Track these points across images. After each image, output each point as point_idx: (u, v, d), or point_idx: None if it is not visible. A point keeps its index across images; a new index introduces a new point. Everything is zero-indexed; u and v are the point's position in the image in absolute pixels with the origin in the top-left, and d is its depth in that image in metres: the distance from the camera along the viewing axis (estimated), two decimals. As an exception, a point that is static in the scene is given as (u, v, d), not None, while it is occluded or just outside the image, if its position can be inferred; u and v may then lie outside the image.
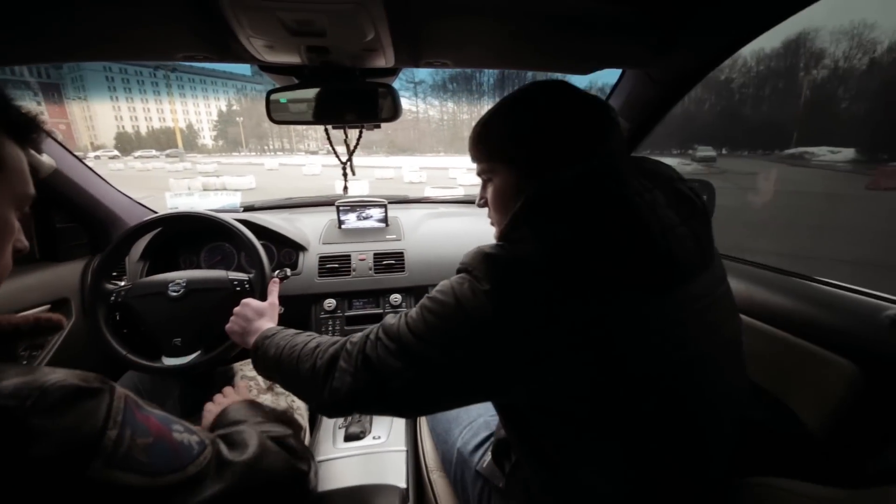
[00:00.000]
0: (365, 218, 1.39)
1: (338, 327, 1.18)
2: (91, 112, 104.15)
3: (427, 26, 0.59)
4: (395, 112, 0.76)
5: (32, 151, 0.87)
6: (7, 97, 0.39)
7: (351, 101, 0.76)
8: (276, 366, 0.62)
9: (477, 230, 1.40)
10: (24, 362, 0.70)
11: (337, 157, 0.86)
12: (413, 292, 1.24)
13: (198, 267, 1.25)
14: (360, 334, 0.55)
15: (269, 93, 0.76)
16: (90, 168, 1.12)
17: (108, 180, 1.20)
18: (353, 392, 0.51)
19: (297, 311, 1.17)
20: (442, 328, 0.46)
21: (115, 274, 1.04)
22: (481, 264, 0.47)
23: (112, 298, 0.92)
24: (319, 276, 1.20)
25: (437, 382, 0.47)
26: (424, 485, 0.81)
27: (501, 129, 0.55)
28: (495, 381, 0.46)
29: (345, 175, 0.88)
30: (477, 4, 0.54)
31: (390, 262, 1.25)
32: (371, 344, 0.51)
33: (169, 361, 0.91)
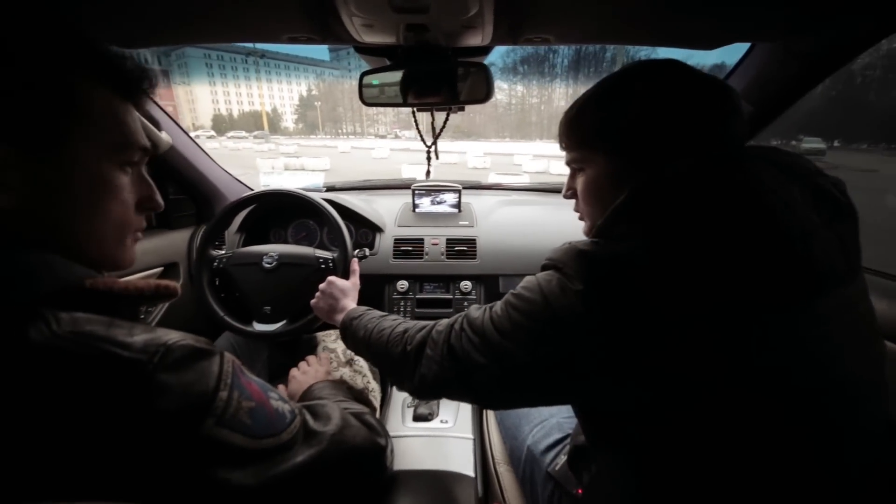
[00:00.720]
0: (439, 203, 1.38)
1: (409, 308, 1.20)
2: (193, 96, 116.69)
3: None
4: (487, 92, 0.72)
5: (152, 128, 0.98)
6: (107, 50, 0.38)
7: (443, 81, 0.73)
8: (365, 346, 0.65)
9: (554, 220, 1.33)
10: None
11: (422, 140, 0.85)
12: (483, 281, 1.21)
13: (285, 241, 1.33)
14: (445, 322, 0.55)
15: (363, 74, 0.76)
16: (199, 146, 1.23)
17: (212, 158, 1.31)
18: (439, 380, 0.51)
19: (371, 290, 1.20)
20: (527, 327, 0.44)
21: (216, 243, 1.14)
22: (573, 261, 0.42)
23: (215, 264, 1.01)
24: (394, 258, 1.23)
25: (519, 380, 0.45)
26: (491, 476, 0.80)
27: (600, 114, 0.50)
28: (580, 384, 0.42)
29: (428, 159, 0.86)
30: None
31: (462, 248, 1.23)
32: (456, 335, 0.51)
33: (259, 327, 0.98)
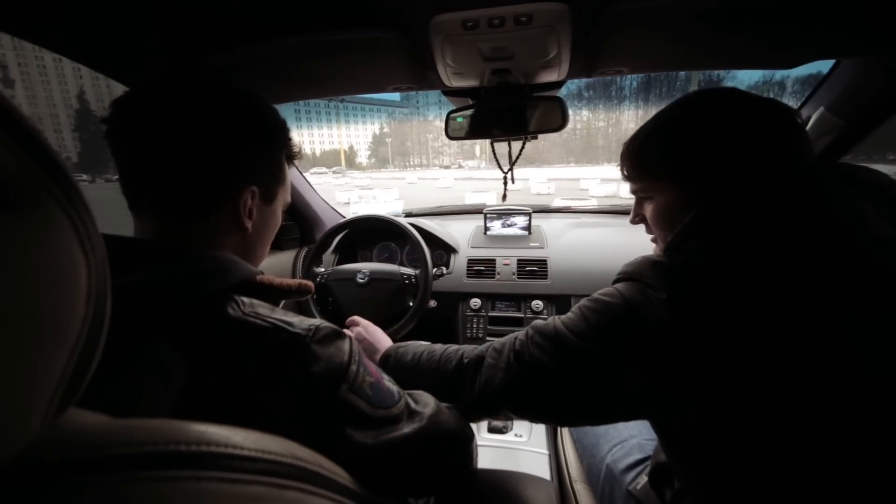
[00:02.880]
0: (509, 225, 1.44)
1: (481, 325, 1.24)
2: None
3: (612, 37, 0.60)
4: (563, 121, 0.78)
5: None
6: (289, 132, 0.54)
7: (520, 115, 0.81)
8: (414, 367, 0.64)
9: (624, 242, 1.31)
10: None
11: (499, 166, 0.92)
12: (555, 301, 1.23)
13: (370, 261, 1.45)
14: (503, 338, 0.57)
15: (449, 113, 0.87)
16: (305, 179, 1.43)
17: (315, 189, 1.50)
18: (504, 387, 0.51)
19: (446, 307, 1.27)
20: (607, 327, 0.45)
21: (317, 264, 1.30)
22: (651, 272, 0.44)
23: (317, 280, 1.15)
24: (467, 277, 1.29)
25: (592, 385, 0.46)
26: (567, 492, 0.80)
27: (664, 146, 0.52)
28: (657, 392, 0.43)
29: (505, 184, 0.93)
30: (670, 8, 0.53)
31: (533, 268, 1.26)
32: (521, 342, 0.52)
33: (353, 318, 1.09)
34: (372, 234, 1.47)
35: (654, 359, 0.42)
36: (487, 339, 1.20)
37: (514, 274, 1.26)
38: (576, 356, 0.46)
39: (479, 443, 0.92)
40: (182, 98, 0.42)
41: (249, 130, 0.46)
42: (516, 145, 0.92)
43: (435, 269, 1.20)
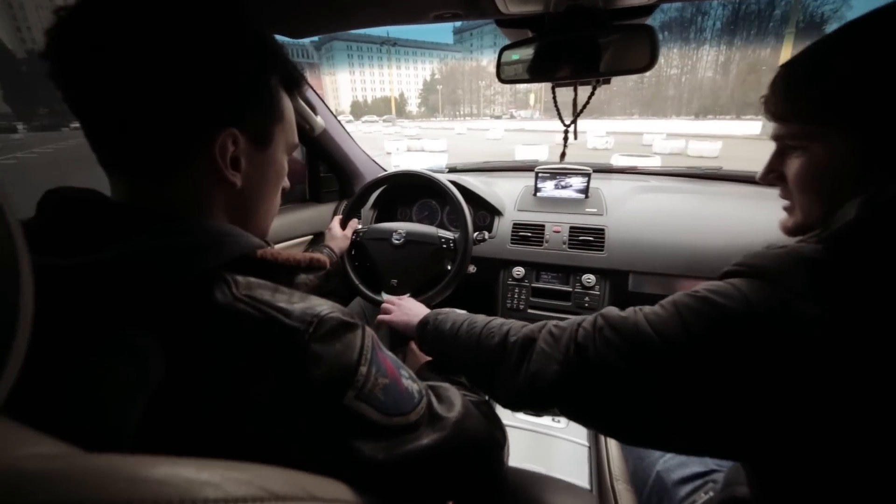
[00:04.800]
0: (563, 187, 1.27)
1: (523, 296, 1.15)
2: (336, 85, 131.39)
3: None
4: (651, 59, 0.60)
5: (310, 112, 1.09)
6: (286, 54, 0.41)
7: (595, 50, 0.64)
8: (452, 338, 0.58)
9: (703, 213, 1.11)
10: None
11: (560, 118, 0.76)
12: (609, 276, 1.08)
13: (410, 219, 1.39)
14: (563, 322, 0.48)
15: (503, 49, 0.71)
16: (345, 129, 1.34)
17: (353, 138, 1.42)
18: (558, 383, 0.43)
19: (486, 274, 1.18)
20: (715, 338, 0.34)
21: (356, 217, 1.24)
22: (801, 272, 0.31)
23: (353, 237, 1.09)
24: (511, 243, 1.18)
25: (677, 407, 0.36)
26: (607, 491, 0.72)
27: (854, 76, 0.35)
28: (783, 432, 0.32)
29: (565, 139, 0.78)
30: None
31: (587, 238, 1.11)
32: (586, 333, 0.43)
33: (386, 297, 1.04)
34: (412, 190, 1.38)
35: (783, 391, 0.31)
36: (529, 311, 1.11)
37: (564, 243, 1.13)
38: (659, 365, 0.36)
39: (512, 423, 0.86)
40: (124, 12, 0.32)
41: (218, 47, 0.35)
42: (583, 93, 0.74)
43: (476, 234, 1.10)
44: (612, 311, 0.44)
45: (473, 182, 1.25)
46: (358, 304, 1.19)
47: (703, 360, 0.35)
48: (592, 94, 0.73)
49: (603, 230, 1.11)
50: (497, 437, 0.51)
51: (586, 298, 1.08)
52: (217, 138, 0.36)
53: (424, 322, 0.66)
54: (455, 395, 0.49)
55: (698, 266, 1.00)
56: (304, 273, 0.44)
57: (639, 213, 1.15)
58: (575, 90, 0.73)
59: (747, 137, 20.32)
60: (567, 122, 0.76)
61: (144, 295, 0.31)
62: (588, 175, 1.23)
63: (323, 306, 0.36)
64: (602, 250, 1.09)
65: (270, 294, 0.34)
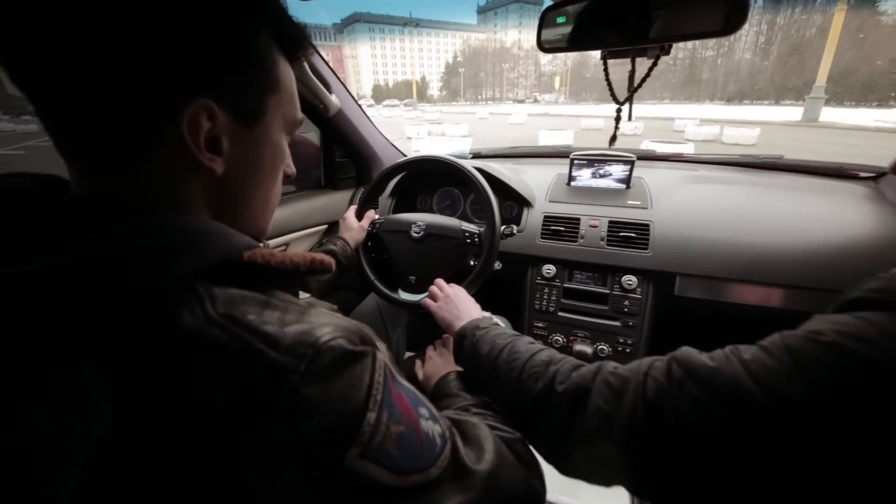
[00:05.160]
0: (602, 175, 1.14)
1: (553, 297, 1.04)
2: (359, 68, 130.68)
3: None
4: (739, 18, 0.48)
5: (324, 90, 1.00)
6: (285, 10, 0.34)
7: (662, 7, 0.51)
8: (490, 366, 0.51)
9: (768, 207, 0.97)
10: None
11: (613, 96, 0.64)
12: (653, 278, 0.97)
13: (431, 209, 1.30)
14: (622, 368, 0.38)
15: (546, 11, 0.59)
16: (362, 110, 1.25)
17: (372, 121, 1.32)
18: (623, 451, 0.34)
19: (512, 271, 1.08)
20: (857, 399, 0.25)
21: (372, 206, 1.15)
22: None
23: (369, 228, 1.01)
24: (542, 238, 1.07)
25: (784, 476, 0.27)
26: None
27: None
28: None
29: (617, 119, 0.66)
30: None
31: (629, 234, 0.99)
32: (659, 387, 0.33)
33: (403, 295, 0.97)
34: (433, 177, 1.28)
35: None
36: (560, 314, 1.01)
37: (602, 239, 1.01)
38: (769, 431, 0.27)
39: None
40: None
41: None
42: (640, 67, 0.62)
43: (504, 227, 1.00)
44: (691, 355, 0.34)
45: (500, 169, 1.14)
46: (374, 301, 1.12)
47: (835, 424, 0.25)
48: (654, 65, 0.61)
49: (647, 226, 0.99)
50: (535, 489, 0.41)
51: (626, 302, 0.97)
52: (184, 111, 0.27)
53: (462, 335, 0.60)
54: (485, 434, 0.40)
55: (758, 270, 0.88)
56: (306, 276, 0.38)
57: (688, 207, 1.02)
58: (632, 61, 0.61)
59: (786, 124, 19.10)
60: (621, 101, 0.64)
61: (90, 315, 0.24)
62: (631, 162, 1.10)
63: (325, 329, 0.27)
64: (646, 248, 0.97)
65: (257, 312, 0.27)
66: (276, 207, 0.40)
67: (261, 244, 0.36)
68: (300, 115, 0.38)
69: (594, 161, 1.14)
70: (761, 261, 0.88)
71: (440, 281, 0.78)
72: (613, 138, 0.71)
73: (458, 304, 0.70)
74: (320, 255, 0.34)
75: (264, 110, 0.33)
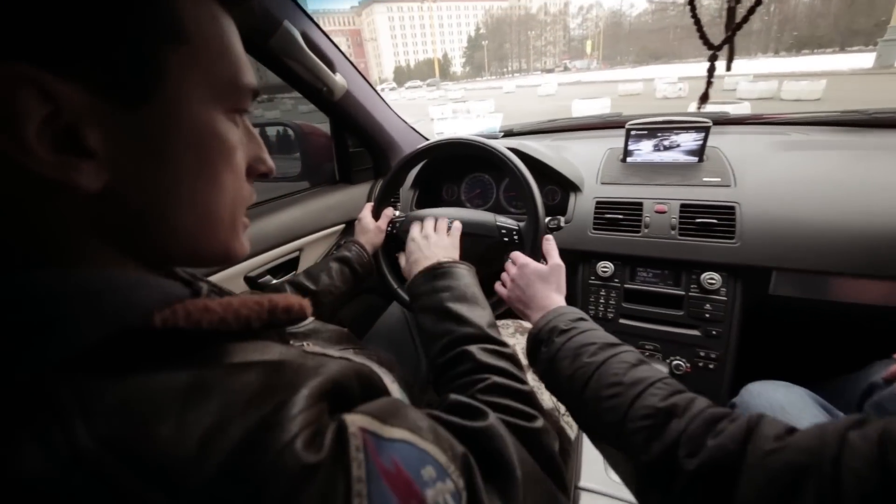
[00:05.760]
0: (666, 147, 0.94)
1: (612, 301, 0.88)
2: (379, 51, 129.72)
3: None
4: None
5: (326, 70, 0.86)
6: None
7: None
8: (577, 401, 0.43)
9: (886, 178, 0.75)
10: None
11: (705, 40, 0.46)
12: (742, 275, 0.78)
13: (458, 198, 1.17)
14: (800, 438, 0.27)
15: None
16: (374, 89, 1.11)
17: (388, 103, 1.19)
18: None
19: (560, 267, 0.93)
20: None
21: (392, 200, 1.03)
22: None
23: (388, 228, 0.88)
24: (594, 229, 0.90)
25: None
26: None
27: None
28: None
29: (710, 72, 0.48)
30: None
31: (709, 220, 0.80)
32: (862, 483, 0.23)
33: (513, 255, 0.85)
34: (460, 161, 1.14)
35: None
36: (621, 321, 0.86)
37: (673, 228, 0.83)
38: None
39: (603, 489, 0.63)
40: None
41: None
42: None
43: (548, 219, 0.83)
44: None
45: (537, 148, 0.98)
46: (399, 311, 1.00)
47: None
48: (754, 7, 0.42)
49: (733, 208, 0.80)
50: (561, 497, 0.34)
51: (707, 306, 0.80)
52: None
53: (536, 338, 0.52)
54: (507, 451, 0.30)
55: (882, 260, 0.68)
56: (276, 328, 0.31)
57: (784, 182, 0.81)
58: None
59: (857, 73, 16.97)
60: (716, 45, 0.46)
61: None
62: (706, 129, 0.89)
63: (285, 426, 0.20)
64: (731, 238, 0.78)
65: (174, 416, 0.19)
66: (240, 217, 0.30)
67: (201, 288, 0.30)
68: (248, 78, 0.27)
69: (657, 130, 0.94)
70: (886, 248, 0.68)
71: (514, 255, 0.67)
72: (705, 97, 0.53)
73: (527, 286, 0.61)
74: (287, 300, 0.27)
75: (161, 76, 0.22)
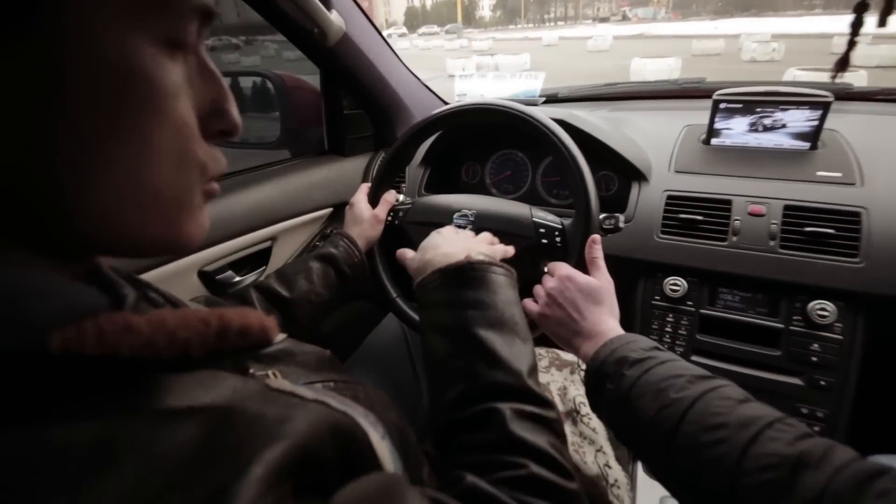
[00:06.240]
0: (767, 128, 0.91)
1: (682, 331, 0.86)
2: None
3: None
4: None
5: (318, 4, 0.83)
6: None
7: None
8: (669, 424, 0.42)
9: None
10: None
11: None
12: (868, 308, 0.76)
13: (481, 182, 1.16)
14: None
15: None
16: (380, 34, 1.11)
17: (396, 53, 1.18)
18: None
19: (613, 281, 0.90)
20: None
21: (396, 181, 1.02)
22: None
23: (388, 218, 0.87)
24: (663, 233, 0.87)
25: None
26: None
27: None
28: None
29: (854, 30, 0.43)
30: None
31: (824, 229, 0.77)
32: None
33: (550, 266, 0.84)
34: (486, 134, 1.13)
35: None
36: (693, 358, 0.85)
37: (772, 237, 0.80)
38: None
39: None
40: None
41: None
42: None
43: (603, 217, 0.80)
44: None
45: (590, 120, 0.96)
46: (397, 325, 0.98)
47: None
48: None
49: (858, 215, 0.76)
50: None
51: (814, 346, 0.77)
52: None
53: (599, 371, 0.51)
54: None
55: None
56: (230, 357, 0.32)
57: None
58: None
59: None
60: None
61: None
62: (825, 105, 0.85)
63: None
64: (854, 256, 0.74)
65: (65, 495, 0.17)
66: (199, 193, 0.28)
67: (125, 296, 0.29)
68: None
69: (756, 104, 0.90)
70: None
71: (554, 265, 0.66)
72: (844, 62, 0.48)
73: (573, 306, 0.59)
74: (243, 318, 0.27)
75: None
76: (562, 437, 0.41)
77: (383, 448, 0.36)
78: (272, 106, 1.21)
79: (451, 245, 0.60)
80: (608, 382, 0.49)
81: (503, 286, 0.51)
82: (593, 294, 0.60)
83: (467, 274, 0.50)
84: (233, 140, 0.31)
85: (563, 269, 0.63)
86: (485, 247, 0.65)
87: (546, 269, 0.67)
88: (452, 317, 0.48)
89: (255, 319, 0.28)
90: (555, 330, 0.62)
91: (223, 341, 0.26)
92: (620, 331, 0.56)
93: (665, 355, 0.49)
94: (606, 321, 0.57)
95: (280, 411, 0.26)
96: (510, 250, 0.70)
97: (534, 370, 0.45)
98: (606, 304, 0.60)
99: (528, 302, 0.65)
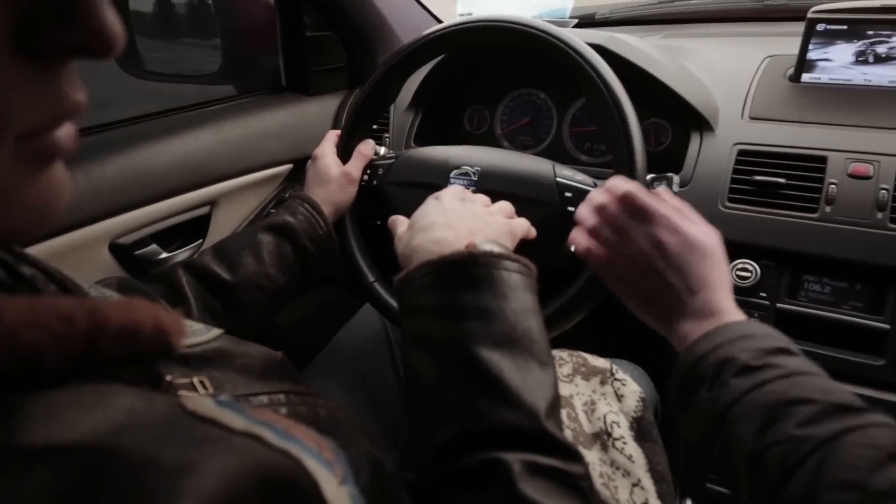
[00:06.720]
0: (882, 58, 0.91)
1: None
2: None
3: None
4: None
5: None
6: None
7: None
8: (782, 469, 0.41)
9: None
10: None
11: None
12: None
13: (489, 131, 1.17)
14: None
15: None
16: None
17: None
18: None
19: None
20: None
21: (374, 127, 1.01)
22: None
23: (365, 178, 0.88)
24: (730, 201, 0.88)
25: None
26: None
27: None
28: None
29: None
30: None
31: None
32: None
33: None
34: (497, 65, 1.16)
35: None
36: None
37: (881, 207, 0.80)
38: None
39: None
40: None
41: None
42: None
43: (651, 179, 0.81)
44: None
45: (639, 48, 0.96)
46: (377, 318, 1.00)
47: None
48: None
49: None
50: None
51: None
52: None
53: (693, 372, 0.50)
54: None
55: None
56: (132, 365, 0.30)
57: None
58: None
59: None
60: None
61: None
62: None
63: None
64: None
65: None
66: (25, 160, 0.25)
67: None
68: None
69: (866, 24, 0.90)
70: None
71: (631, 188, 0.60)
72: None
73: (680, 268, 0.55)
74: (128, 313, 0.27)
75: None
76: (589, 499, 0.40)
77: (341, 498, 0.34)
78: (212, 28, 1.22)
79: (448, 223, 0.57)
80: (702, 388, 0.48)
81: (517, 288, 0.48)
82: (706, 249, 0.55)
83: (468, 271, 0.48)
84: (123, 65, 0.29)
85: (658, 201, 0.58)
86: (499, 225, 0.62)
87: (604, 186, 0.63)
88: (445, 329, 0.46)
89: (146, 315, 0.27)
90: (631, 290, 0.59)
91: (93, 348, 0.24)
92: (741, 314, 0.53)
93: (795, 364, 0.46)
94: (724, 297, 0.54)
95: (184, 454, 0.23)
96: (533, 230, 0.67)
97: (555, 406, 0.43)
98: (721, 269, 0.56)
99: (578, 234, 0.62)
